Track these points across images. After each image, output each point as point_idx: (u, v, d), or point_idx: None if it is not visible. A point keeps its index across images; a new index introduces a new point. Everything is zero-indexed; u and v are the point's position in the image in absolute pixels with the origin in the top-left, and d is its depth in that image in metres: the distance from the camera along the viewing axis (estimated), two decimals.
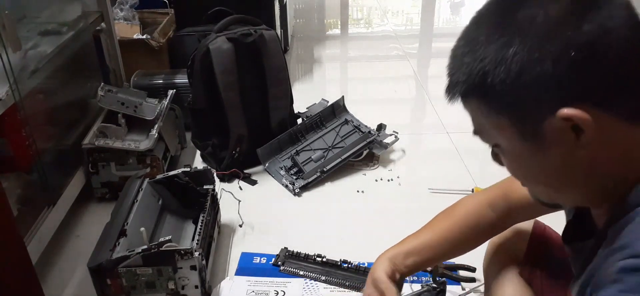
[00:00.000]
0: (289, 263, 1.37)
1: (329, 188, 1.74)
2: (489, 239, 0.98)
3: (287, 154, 1.83)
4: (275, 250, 1.41)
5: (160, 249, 1.11)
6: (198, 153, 1.92)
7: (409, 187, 1.73)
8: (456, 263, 1.30)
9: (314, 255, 1.36)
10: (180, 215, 1.45)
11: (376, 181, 1.76)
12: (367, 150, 1.83)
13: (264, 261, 1.39)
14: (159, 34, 2.17)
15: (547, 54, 0.49)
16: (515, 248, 0.94)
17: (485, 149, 0.63)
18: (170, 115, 1.83)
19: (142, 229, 1.22)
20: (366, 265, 1.34)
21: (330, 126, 1.92)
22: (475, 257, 1.07)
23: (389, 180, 1.76)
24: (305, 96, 2.21)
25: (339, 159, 1.77)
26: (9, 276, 1.00)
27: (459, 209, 0.92)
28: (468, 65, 0.54)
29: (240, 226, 1.53)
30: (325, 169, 1.74)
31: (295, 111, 1.98)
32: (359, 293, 1.27)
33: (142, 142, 1.61)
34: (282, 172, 1.77)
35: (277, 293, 1.28)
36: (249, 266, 1.38)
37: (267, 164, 1.80)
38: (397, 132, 1.92)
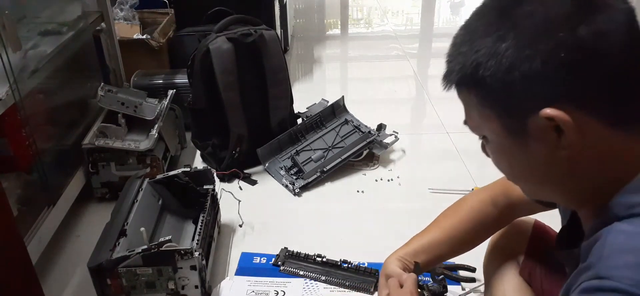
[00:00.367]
0: (289, 263, 1.37)
1: (329, 188, 1.74)
2: (489, 239, 0.98)
3: (287, 154, 1.83)
4: (275, 250, 1.41)
5: (160, 249, 1.11)
6: (198, 153, 1.92)
7: (409, 187, 1.73)
8: (456, 263, 1.30)
9: (314, 255, 1.36)
10: (180, 215, 1.45)
11: (376, 181, 1.76)
12: (367, 150, 1.83)
13: (264, 261, 1.39)
14: (159, 34, 2.17)
15: (538, 52, 0.50)
16: (515, 248, 0.95)
17: None
18: (170, 115, 1.83)
19: (142, 229, 1.22)
20: (366, 264, 1.34)
21: (330, 126, 1.92)
22: (475, 257, 1.07)
23: (389, 180, 1.76)
24: (305, 96, 2.21)
25: (339, 159, 1.77)
26: (9, 276, 1.00)
27: (464, 206, 0.93)
28: (464, 54, 0.55)
29: (240, 226, 1.54)
30: (325, 169, 1.74)
31: (295, 111, 1.99)
32: (359, 293, 1.27)
33: (142, 143, 1.61)
34: (282, 172, 1.77)
35: (277, 293, 1.28)
36: (249, 266, 1.38)
37: (267, 164, 1.80)
38: (397, 132, 1.92)
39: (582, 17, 0.49)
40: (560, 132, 0.51)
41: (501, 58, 0.51)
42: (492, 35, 0.52)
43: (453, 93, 0.59)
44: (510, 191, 0.87)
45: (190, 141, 1.92)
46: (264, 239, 1.48)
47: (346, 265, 1.33)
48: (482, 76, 0.53)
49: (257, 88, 1.78)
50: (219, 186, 1.70)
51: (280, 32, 2.73)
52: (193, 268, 1.14)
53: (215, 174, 1.55)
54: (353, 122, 1.93)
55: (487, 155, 0.63)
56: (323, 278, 1.32)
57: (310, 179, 1.72)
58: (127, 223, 1.23)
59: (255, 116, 1.80)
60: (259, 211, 1.60)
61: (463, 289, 1.27)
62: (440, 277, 1.20)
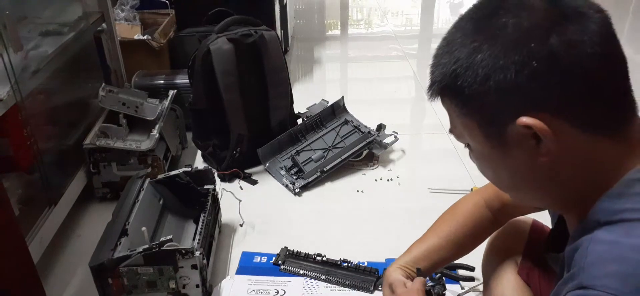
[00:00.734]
0: (289, 262, 1.37)
1: (329, 188, 1.74)
2: (488, 239, 0.99)
3: (287, 154, 1.83)
4: (275, 249, 1.41)
5: (162, 248, 1.11)
6: (199, 153, 1.92)
7: (409, 187, 1.74)
8: (455, 262, 1.31)
9: (314, 254, 1.37)
10: (181, 215, 1.46)
11: (376, 181, 1.77)
12: (367, 150, 1.84)
13: (265, 260, 1.40)
14: (159, 35, 2.17)
15: (512, 63, 0.51)
16: (514, 247, 0.95)
17: None
18: (171, 115, 1.83)
19: (144, 228, 1.22)
20: (366, 264, 1.34)
21: (330, 126, 1.93)
22: (474, 256, 1.07)
23: (388, 180, 1.77)
24: (305, 96, 2.21)
25: (339, 159, 1.78)
26: (11, 276, 1.00)
27: (459, 211, 0.95)
28: (444, 65, 0.57)
29: (241, 225, 1.54)
30: (325, 169, 1.74)
31: (296, 111, 1.99)
32: (359, 292, 1.28)
33: (143, 143, 1.62)
34: (283, 172, 1.78)
35: (278, 292, 1.29)
36: (249, 266, 1.38)
37: (267, 164, 1.81)
38: (397, 132, 1.92)
39: (554, 28, 0.50)
40: (538, 140, 0.52)
41: (477, 68, 0.53)
42: (468, 46, 0.54)
43: (441, 103, 0.61)
44: (502, 193, 0.88)
45: (191, 141, 1.93)
46: (265, 239, 1.48)
47: (346, 264, 1.34)
48: (460, 86, 0.54)
49: (257, 88, 1.79)
50: (219, 185, 1.71)
51: (281, 32, 2.73)
52: (194, 267, 1.15)
53: (216, 174, 1.56)
54: (353, 122, 1.94)
55: (473, 161, 0.64)
56: (323, 277, 1.32)
57: (310, 179, 1.72)
58: (129, 223, 1.24)
59: (256, 116, 1.81)
60: (259, 210, 1.60)
61: (462, 288, 1.27)
62: (438, 275, 1.20)
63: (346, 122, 1.94)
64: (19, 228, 1.08)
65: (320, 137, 1.88)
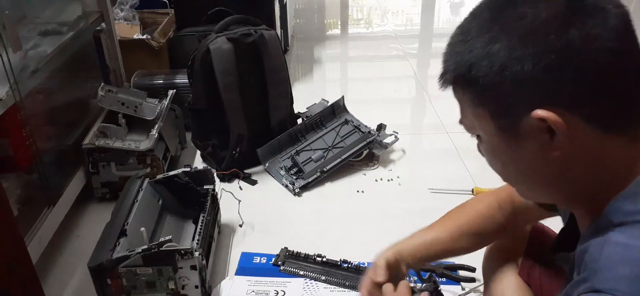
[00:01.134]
0: (289, 262, 1.37)
1: (329, 188, 1.74)
2: None
3: (287, 154, 1.83)
4: (275, 250, 1.41)
5: (161, 249, 1.11)
6: (198, 153, 1.92)
7: (409, 187, 1.73)
8: (456, 263, 1.31)
9: (314, 255, 1.37)
10: (181, 215, 1.45)
11: (376, 181, 1.76)
12: (367, 150, 1.83)
13: (264, 261, 1.39)
14: (159, 34, 2.17)
15: (529, 54, 0.50)
16: (514, 248, 0.95)
17: None
18: (170, 115, 1.83)
19: (143, 229, 1.22)
20: (366, 264, 1.34)
21: (330, 126, 1.93)
22: (475, 257, 1.07)
23: (389, 180, 1.76)
24: (305, 96, 2.21)
25: (339, 159, 1.77)
26: (10, 276, 1.00)
27: (470, 208, 0.94)
28: (459, 54, 0.55)
29: (241, 226, 1.54)
30: (325, 169, 1.74)
31: (295, 111, 1.99)
32: (359, 293, 1.27)
33: (142, 142, 1.61)
34: (282, 172, 1.77)
35: (277, 293, 1.28)
36: (249, 266, 1.38)
37: (267, 164, 1.80)
38: (397, 132, 1.92)
39: (574, 20, 0.49)
40: (552, 134, 0.51)
41: (493, 59, 0.52)
42: (485, 36, 0.53)
43: (452, 92, 0.60)
44: (514, 197, 0.87)
45: (190, 141, 1.92)
46: (264, 239, 1.48)
47: (346, 265, 1.34)
48: (475, 76, 0.53)
49: (257, 88, 1.79)
50: (219, 186, 1.70)
51: (280, 32, 2.73)
52: (193, 267, 1.14)
53: (215, 174, 1.56)
54: (353, 122, 1.93)
55: (482, 154, 0.63)
56: (323, 277, 1.32)
57: (310, 179, 1.72)
58: (128, 223, 1.23)
59: (255, 116, 1.80)
60: (259, 211, 1.60)
61: (463, 289, 1.27)
62: (427, 275, 1.20)
63: (346, 122, 1.94)
64: (18, 228, 1.08)
65: (320, 137, 1.88)
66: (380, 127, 1.92)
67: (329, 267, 1.34)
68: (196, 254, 1.13)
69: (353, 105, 2.02)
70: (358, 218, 1.58)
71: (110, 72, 1.96)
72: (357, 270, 1.32)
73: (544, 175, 0.56)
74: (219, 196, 1.53)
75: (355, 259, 1.35)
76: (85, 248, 1.27)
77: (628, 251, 0.49)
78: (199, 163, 1.89)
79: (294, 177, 1.75)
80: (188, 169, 1.42)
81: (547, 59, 0.49)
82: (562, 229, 0.68)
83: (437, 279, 1.22)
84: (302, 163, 1.76)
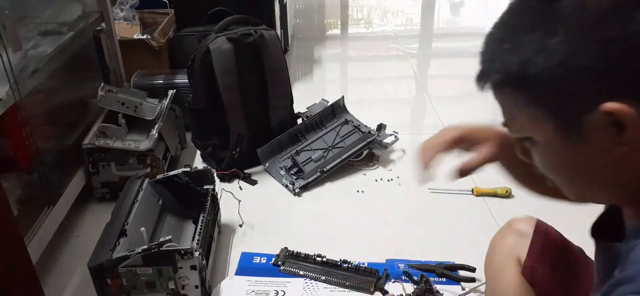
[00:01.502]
0: (289, 262, 1.37)
1: (329, 188, 1.74)
2: (490, 239, 0.98)
3: (287, 154, 1.83)
4: (275, 250, 1.41)
5: (161, 249, 1.11)
6: (198, 153, 1.92)
7: (409, 187, 1.73)
8: (456, 263, 1.31)
9: (314, 255, 1.36)
10: (181, 215, 1.45)
11: (376, 181, 1.76)
12: (367, 150, 1.83)
13: (264, 261, 1.39)
14: (159, 34, 2.17)
15: (592, 45, 0.47)
16: (517, 248, 0.94)
17: None
18: (170, 115, 1.83)
19: (143, 229, 1.22)
20: (366, 264, 1.34)
21: (330, 126, 1.92)
22: (475, 257, 1.07)
23: (389, 180, 1.76)
24: (305, 96, 2.21)
25: (339, 159, 1.77)
26: (9, 276, 1.00)
27: None
28: (506, 52, 0.52)
29: (241, 226, 1.54)
30: (325, 169, 1.74)
31: (295, 111, 1.99)
32: (359, 292, 1.28)
33: (142, 143, 1.61)
34: (282, 172, 1.77)
35: (277, 293, 1.28)
36: (249, 266, 1.38)
37: (267, 164, 1.80)
38: (397, 132, 1.92)
39: (636, 6, 0.47)
40: (619, 128, 0.48)
41: (551, 54, 0.49)
42: (539, 30, 0.50)
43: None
44: None
45: (190, 141, 1.92)
46: (264, 239, 1.48)
47: (346, 265, 1.33)
48: (530, 73, 0.50)
49: (257, 88, 1.78)
50: (219, 186, 1.70)
51: (281, 32, 2.73)
52: (193, 268, 1.14)
53: (215, 174, 1.55)
54: (353, 122, 1.93)
55: (527, 158, 0.60)
56: (323, 278, 1.32)
57: (310, 179, 1.72)
58: (128, 223, 1.23)
59: (255, 116, 1.80)
60: (259, 211, 1.60)
61: (463, 289, 1.27)
62: (418, 276, 1.20)
63: (346, 122, 1.93)
64: (18, 228, 1.08)
65: (320, 137, 1.88)
66: (380, 127, 1.92)
67: (329, 267, 1.34)
68: (196, 254, 1.13)
69: (353, 105, 2.02)
70: (358, 218, 1.58)
71: (110, 72, 1.96)
72: (357, 270, 1.32)
73: (604, 174, 0.53)
74: (219, 196, 1.53)
75: (355, 259, 1.35)
76: (85, 248, 1.27)
77: None
78: (199, 163, 1.89)
79: (294, 177, 1.75)
80: (188, 169, 1.42)
81: (612, 48, 0.47)
82: (603, 214, 0.65)
83: (429, 278, 1.23)
84: (302, 163, 1.76)
